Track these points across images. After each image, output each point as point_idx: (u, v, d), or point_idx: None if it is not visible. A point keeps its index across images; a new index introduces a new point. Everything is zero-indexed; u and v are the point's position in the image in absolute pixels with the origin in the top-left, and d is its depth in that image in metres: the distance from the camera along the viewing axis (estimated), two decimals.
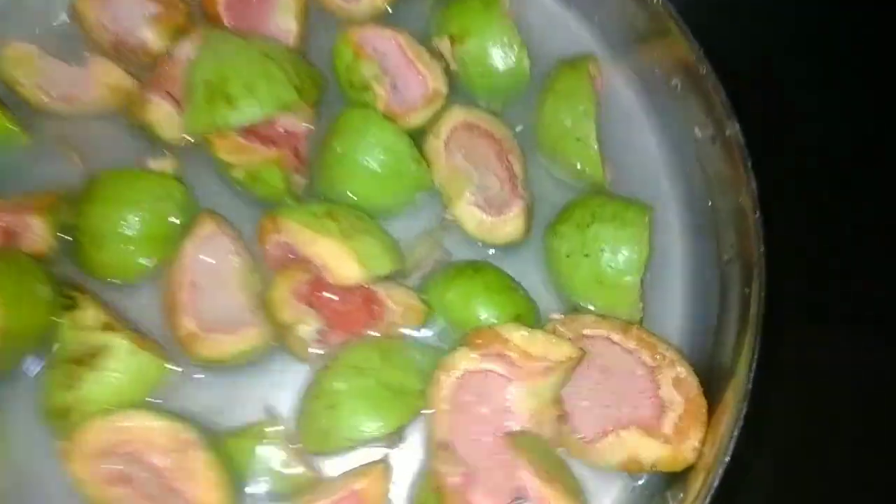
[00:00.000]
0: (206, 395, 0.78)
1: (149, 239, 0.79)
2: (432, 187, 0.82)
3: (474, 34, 0.82)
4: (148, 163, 0.82)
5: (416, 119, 0.81)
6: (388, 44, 0.84)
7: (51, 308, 0.76)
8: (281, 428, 0.74)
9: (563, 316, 0.74)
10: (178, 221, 0.80)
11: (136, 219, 0.78)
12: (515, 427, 0.70)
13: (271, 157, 0.76)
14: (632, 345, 0.70)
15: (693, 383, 0.69)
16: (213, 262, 0.78)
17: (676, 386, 0.68)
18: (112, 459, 0.70)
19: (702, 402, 0.68)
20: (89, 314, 0.75)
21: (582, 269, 0.74)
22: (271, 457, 0.74)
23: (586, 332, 0.71)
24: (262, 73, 0.74)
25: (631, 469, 0.69)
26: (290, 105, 0.75)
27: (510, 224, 0.78)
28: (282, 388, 0.78)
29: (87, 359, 0.73)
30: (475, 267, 0.77)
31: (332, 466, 0.75)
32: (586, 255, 0.73)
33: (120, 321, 0.76)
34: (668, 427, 0.67)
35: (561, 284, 0.77)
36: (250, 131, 0.76)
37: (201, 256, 0.78)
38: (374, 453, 0.75)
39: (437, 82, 0.82)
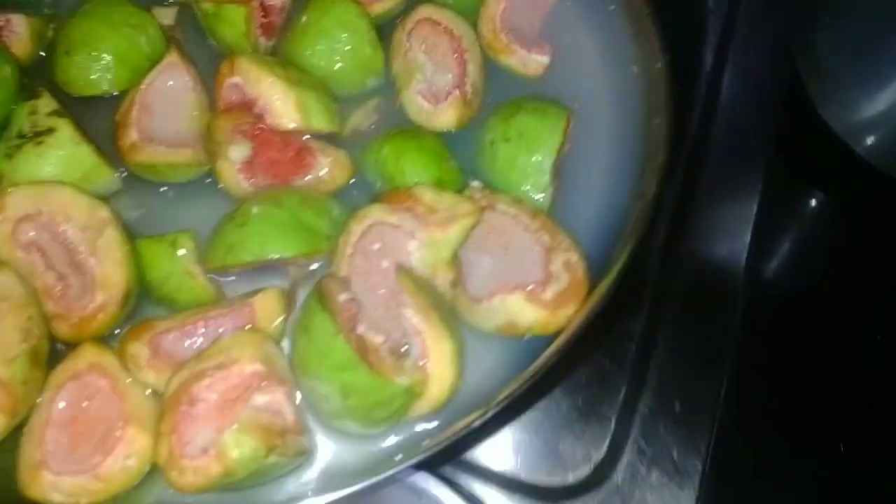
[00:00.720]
0: (134, 206, 0.84)
1: (117, 60, 0.87)
2: (382, 75, 0.89)
3: None
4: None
5: (380, 7, 0.90)
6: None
7: (11, 88, 0.83)
8: (193, 240, 0.80)
9: (482, 185, 0.81)
10: (146, 49, 0.88)
11: (110, 37, 0.86)
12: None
13: (241, 2, 0.84)
14: (535, 226, 0.77)
15: (581, 267, 0.76)
16: (170, 89, 0.86)
17: (566, 267, 0.75)
18: (28, 226, 0.76)
19: (584, 284, 0.75)
20: (45, 101, 0.81)
21: (500, 153, 0.81)
22: (177, 264, 0.79)
23: (499, 206, 0.78)
24: None
25: (507, 332, 0.75)
26: None
27: (445, 113, 0.86)
28: (206, 220, 0.84)
29: (32, 136, 0.79)
30: (416, 130, 0.85)
31: (234, 291, 0.81)
32: (506, 141, 0.81)
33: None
34: (548, 296, 0.74)
35: (483, 170, 0.84)
36: None
37: (159, 81, 0.85)
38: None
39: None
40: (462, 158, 0.86)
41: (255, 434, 0.64)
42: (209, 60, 0.90)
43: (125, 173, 0.85)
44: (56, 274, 0.76)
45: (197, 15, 0.89)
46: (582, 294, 0.75)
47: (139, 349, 0.71)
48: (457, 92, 0.86)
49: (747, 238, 1.00)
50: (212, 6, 0.85)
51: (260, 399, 0.66)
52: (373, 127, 0.88)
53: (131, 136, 0.82)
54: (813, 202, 1.14)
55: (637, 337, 0.96)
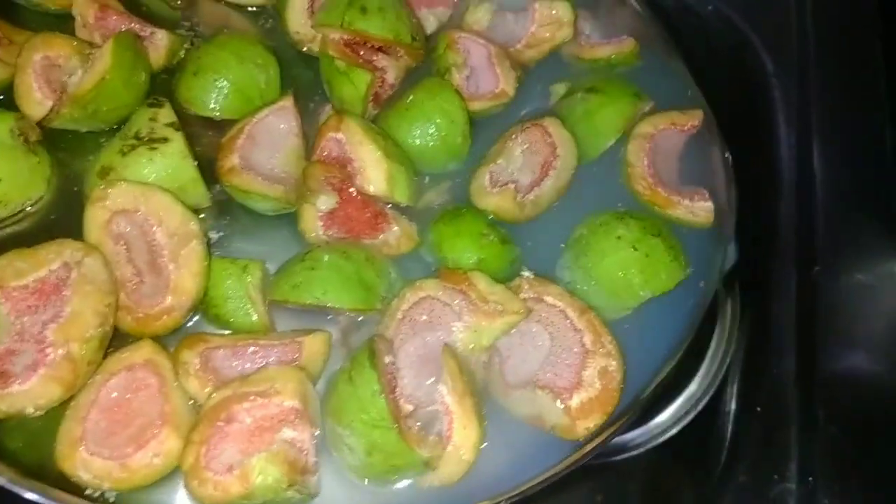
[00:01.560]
0: (215, 226, 0.94)
1: (234, 89, 0.98)
2: (463, 162, 0.99)
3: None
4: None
5: (477, 105, 1.01)
6: (478, 48, 1.05)
7: (141, 92, 0.94)
8: (263, 270, 0.88)
9: (533, 276, 0.88)
10: (262, 86, 1.00)
11: (235, 69, 0.98)
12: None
13: (369, 69, 0.95)
14: (581, 325, 0.83)
15: (617, 378, 0.81)
16: (277, 129, 0.96)
17: (601, 374, 0.81)
18: (123, 219, 0.85)
19: (614, 397, 0.80)
20: (165, 112, 0.92)
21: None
22: (243, 288, 0.87)
23: (547, 298, 0.85)
24: (396, 10, 0.96)
25: (534, 423, 0.82)
26: (401, 42, 0.96)
27: (492, 197, 0.94)
28: (273, 254, 0.92)
29: (148, 141, 0.89)
30: (458, 213, 0.93)
31: (283, 324, 0.89)
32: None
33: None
34: (574, 403, 0.80)
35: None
36: (361, 45, 0.96)
37: (269, 119, 0.96)
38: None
39: (507, 86, 1.03)
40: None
41: (281, 466, 0.71)
42: (312, 109, 1.02)
43: (216, 194, 0.95)
44: (134, 269, 0.84)
45: (323, 65, 1.00)
46: (609, 406, 0.80)
47: (191, 357, 0.79)
48: (513, 187, 0.94)
49: None
50: (343, 65, 0.96)
51: (288, 434, 0.73)
52: (440, 205, 0.97)
53: (233, 160, 0.92)
54: None
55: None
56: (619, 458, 1.00)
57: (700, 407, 1.04)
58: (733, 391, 1.02)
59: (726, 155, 0.98)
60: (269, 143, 0.95)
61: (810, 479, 0.89)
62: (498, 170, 0.96)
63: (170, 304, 0.82)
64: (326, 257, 0.87)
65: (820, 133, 1.11)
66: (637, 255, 0.87)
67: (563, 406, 0.80)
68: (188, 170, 0.90)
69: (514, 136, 0.97)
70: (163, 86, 1.01)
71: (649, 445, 1.03)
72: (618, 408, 0.81)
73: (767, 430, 0.94)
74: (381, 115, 1.01)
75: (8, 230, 0.91)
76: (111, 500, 0.76)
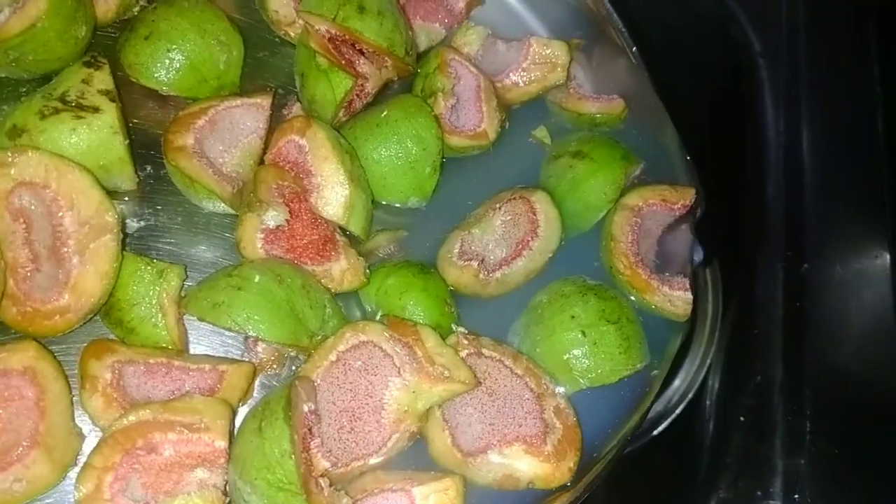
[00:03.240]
0: (138, 215, 0.86)
1: (189, 65, 0.90)
2: (426, 200, 0.95)
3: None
4: None
5: (455, 141, 0.97)
6: (469, 77, 1.01)
7: (78, 47, 0.85)
8: (182, 278, 0.81)
9: (466, 332, 0.86)
10: (221, 67, 0.92)
11: (194, 42, 0.90)
12: (372, 414, 0.78)
13: (352, 74, 0.90)
14: (520, 371, 0.83)
15: (570, 413, 0.82)
16: (243, 125, 0.90)
17: (556, 413, 0.82)
18: (28, 193, 0.76)
19: (577, 430, 0.82)
20: (102, 77, 0.83)
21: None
22: (155, 296, 0.79)
23: (484, 351, 0.83)
24: (395, 18, 0.91)
25: (504, 486, 0.80)
26: (393, 52, 0.91)
27: (456, 270, 0.91)
28: (200, 258, 0.86)
29: (75, 107, 0.80)
30: (425, 270, 0.91)
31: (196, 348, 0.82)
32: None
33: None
34: (548, 448, 0.80)
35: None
36: (346, 45, 0.91)
37: (238, 112, 0.90)
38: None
39: (490, 128, 0.99)
40: None
41: None
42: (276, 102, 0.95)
43: (144, 178, 0.87)
44: (31, 253, 0.76)
45: (300, 56, 0.94)
46: (578, 442, 0.81)
47: (101, 371, 0.72)
48: (478, 265, 0.91)
49: None
50: (326, 63, 0.90)
51: (201, 475, 0.68)
52: (385, 255, 0.94)
53: (187, 139, 0.85)
54: None
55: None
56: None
57: (679, 410, 1.02)
58: (713, 398, 1.01)
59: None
60: (228, 136, 0.89)
61: (796, 496, 0.89)
62: (470, 239, 0.93)
63: (66, 303, 0.74)
64: (257, 278, 0.81)
65: (808, 119, 1.10)
66: (584, 340, 0.86)
67: (539, 455, 0.80)
68: (117, 148, 0.82)
69: (496, 206, 0.94)
70: (104, 43, 0.92)
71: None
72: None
73: (750, 442, 0.93)
74: (348, 123, 0.95)
75: None
76: None
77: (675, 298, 0.92)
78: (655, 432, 1.03)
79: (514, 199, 0.96)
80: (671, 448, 0.94)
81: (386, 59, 0.93)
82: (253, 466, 0.69)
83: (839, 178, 1.06)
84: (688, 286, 0.92)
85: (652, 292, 0.92)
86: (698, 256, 0.97)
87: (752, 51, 1.17)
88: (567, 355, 0.86)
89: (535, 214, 0.95)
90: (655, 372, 0.89)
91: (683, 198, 0.97)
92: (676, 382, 1.05)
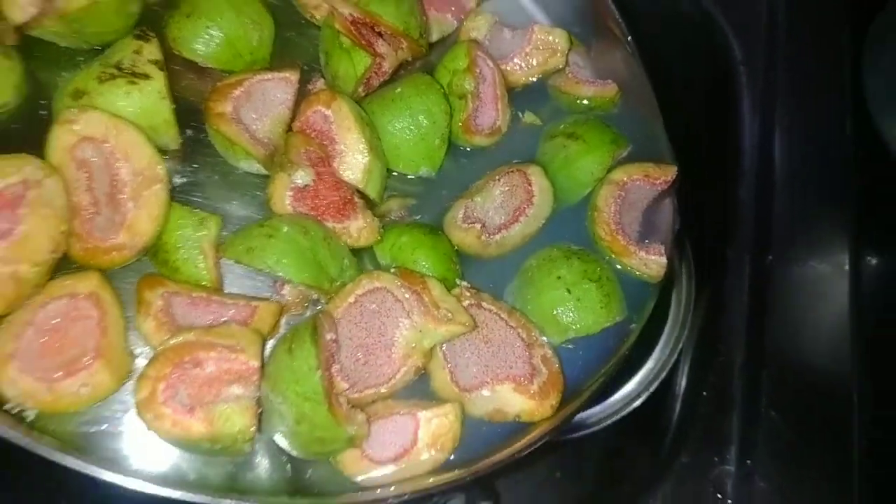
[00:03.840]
0: (180, 172, 0.98)
1: (225, 41, 1.03)
2: (435, 169, 1.08)
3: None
4: None
5: (477, 140, 1.10)
6: (489, 73, 1.13)
7: (131, 21, 0.98)
8: (220, 227, 0.93)
9: (469, 285, 0.99)
10: (254, 44, 1.04)
11: (230, 20, 1.02)
12: (383, 349, 0.91)
13: (371, 53, 1.03)
14: (514, 323, 0.96)
15: (555, 362, 0.96)
16: (273, 96, 1.02)
17: (543, 360, 0.95)
18: (90, 146, 0.89)
19: (560, 376, 0.95)
20: (151, 48, 0.95)
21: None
22: (197, 241, 0.92)
23: (483, 304, 0.97)
24: (411, 3, 1.05)
25: (495, 418, 0.93)
26: (409, 34, 1.04)
27: (460, 232, 1.03)
28: (233, 212, 0.99)
29: (129, 73, 0.92)
30: (434, 231, 1.04)
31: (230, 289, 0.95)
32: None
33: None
34: (535, 387, 0.93)
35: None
36: (366, 27, 1.03)
37: (270, 84, 1.02)
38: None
39: (503, 123, 1.12)
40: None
41: (250, 418, 0.80)
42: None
43: (185, 139, 1.00)
44: (92, 199, 0.88)
45: (325, 36, 1.06)
46: (561, 385, 0.94)
47: (154, 298, 0.85)
48: (480, 228, 1.03)
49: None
50: (348, 43, 1.03)
51: (236, 390, 0.79)
52: (397, 218, 1.06)
53: (226, 106, 0.97)
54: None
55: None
56: (576, 435, 1.10)
57: (652, 389, 1.14)
58: (683, 378, 1.13)
59: (677, 224, 1.09)
60: (261, 106, 1.01)
61: (748, 461, 1.01)
62: (473, 206, 1.06)
63: (122, 241, 0.87)
64: (286, 228, 0.93)
65: (782, 122, 1.21)
66: (569, 297, 0.99)
67: (525, 392, 0.93)
68: (164, 111, 0.94)
69: (496, 178, 1.07)
70: (151, 18, 1.04)
71: (602, 425, 1.13)
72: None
73: (711, 415, 1.05)
74: (365, 98, 1.07)
75: None
76: (28, 418, 0.80)
77: (650, 262, 1.04)
78: (631, 408, 1.15)
79: (512, 171, 1.09)
80: (644, 422, 1.06)
81: (401, 40, 1.06)
82: (283, 380, 0.82)
83: (807, 180, 1.19)
84: (662, 252, 1.04)
85: (629, 256, 1.05)
86: (677, 226, 1.09)
87: (734, 58, 1.30)
88: (555, 311, 0.99)
89: (530, 185, 1.08)
90: (633, 325, 1.02)
91: (665, 174, 1.09)
92: (650, 364, 1.17)
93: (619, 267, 1.06)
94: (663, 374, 1.17)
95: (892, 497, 1.08)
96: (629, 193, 1.10)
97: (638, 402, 1.15)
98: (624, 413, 1.15)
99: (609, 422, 1.15)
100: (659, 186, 1.11)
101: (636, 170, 1.11)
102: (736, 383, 1.06)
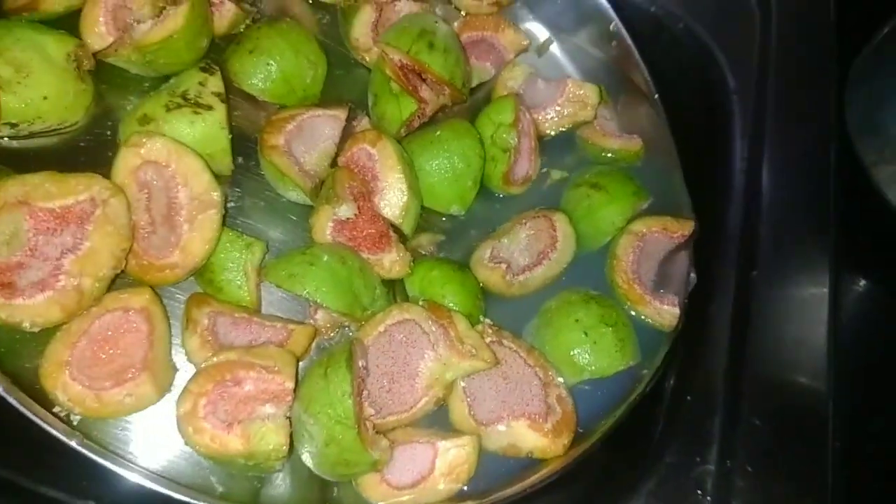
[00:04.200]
0: (231, 196, 1.05)
1: (281, 76, 1.10)
2: (465, 208, 1.14)
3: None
4: None
5: (514, 190, 1.17)
6: (528, 125, 1.19)
7: (199, 55, 1.05)
8: (264, 251, 0.99)
9: (492, 323, 1.05)
10: (307, 81, 1.11)
11: (288, 58, 1.10)
12: (407, 379, 0.96)
13: (418, 100, 1.10)
14: (532, 362, 1.01)
15: (570, 402, 1.00)
16: (321, 131, 1.08)
17: (558, 400, 1.00)
18: (152, 169, 0.95)
19: (574, 416, 1.00)
20: (215, 80, 1.02)
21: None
22: (242, 263, 0.98)
23: (504, 342, 1.02)
24: (457, 55, 1.12)
25: (508, 453, 0.98)
26: (453, 84, 1.11)
27: (486, 271, 1.10)
28: (278, 241, 1.05)
29: (194, 104, 0.99)
30: (462, 268, 1.10)
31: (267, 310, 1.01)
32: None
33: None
34: (549, 425, 0.98)
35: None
36: (414, 73, 1.10)
37: (319, 121, 1.08)
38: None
39: (533, 171, 1.19)
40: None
41: (285, 437, 0.84)
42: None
43: (237, 166, 1.06)
44: (150, 218, 0.95)
45: (375, 79, 1.14)
46: (573, 425, 0.99)
47: (201, 316, 0.90)
48: (506, 269, 1.09)
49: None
50: (398, 88, 1.10)
51: (269, 410, 0.85)
52: (426, 253, 1.13)
53: (279, 139, 1.04)
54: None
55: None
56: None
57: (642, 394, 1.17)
58: (670, 381, 1.17)
59: (692, 275, 1.15)
60: (310, 140, 1.08)
61: (728, 462, 1.07)
62: (500, 247, 1.12)
63: (175, 260, 0.93)
64: (326, 257, 0.99)
65: (770, 148, 1.29)
66: (586, 339, 1.04)
67: (539, 430, 0.97)
68: (222, 140, 1.01)
69: (523, 221, 1.13)
70: (214, 51, 1.11)
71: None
72: None
73: (695, 418, 1.11)
74: (405, 138, 1.14)
75: (36, 141, 1.00)
76: (74, 422, 0.85)
77: (663, 312, 1.10)
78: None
79: (538, 217, 1.15)
80: (632, 423, 1.09)
81: (445, 87, 1.12)
82: (317, 402, 0.87)
83: (792, 204, 1.26)
84: (675, 303, 1.10)
85: (644, 304, 1.11)
86: (693, 280, 1.15)
87: (727, 88, 1.38)
88: (572, 352, 1.05)
89: (555, 231, 1.14)
90: (645, 371, 1.07)
91: (682, 228, 1.15)
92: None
93: (633, 314, 1.11)
94: (653, 382, 1.20)
95: (862, 497, 1.17)
96: (647, 244, 1.16)
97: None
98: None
99: None
100: (676, 240, 1.16)
101: (655, 222, 1.17)
102: (718, 389, 1.12)
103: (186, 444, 0.86)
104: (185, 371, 0.94)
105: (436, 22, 1.13)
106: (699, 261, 1.16)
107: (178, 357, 0.95)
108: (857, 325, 1.32)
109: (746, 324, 1.15)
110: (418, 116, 1.12)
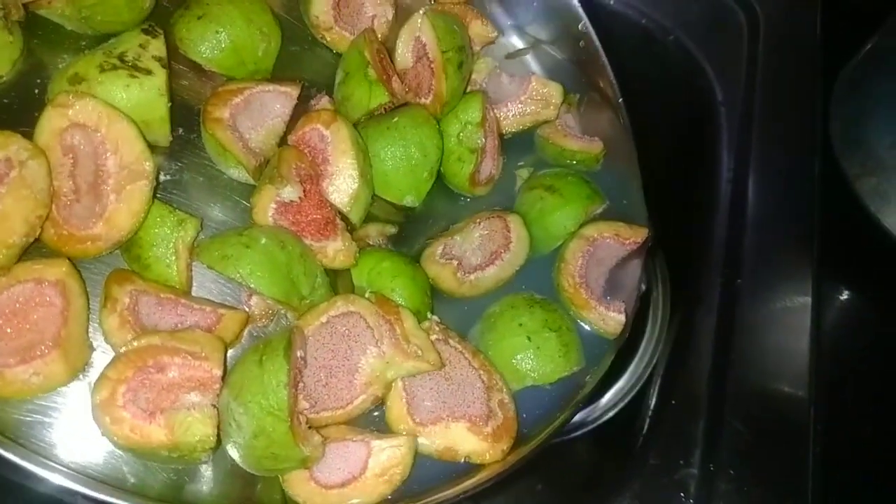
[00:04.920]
0: (166, 169, 0.98)
1: (231, 47, 1.03)
2: (419, 201, 1.09)
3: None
4: None
5: (479, 191, 1.12)
6: (493, 122, 1.15)
7: (141, 16, 0.99)
8: (198, 230, 0.93)
9: (439, 321, 1.00)
10: (259, 54, 1.05)
11: (240, 28, 1.03)
12: (346, 374, 0.90)
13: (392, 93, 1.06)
14: (476, 364, 0.97)
15: (511, 407, 0.96)
16: (271, 108, 1.02)
17: (500, 405, 0.95)
18: (80, 133, 0.88)
19: (514, 421, 0.95)
20: (157, 44, 0.95)
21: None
22: (172, 241, 0.91)
23: (450, 341, 0.97)
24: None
25: (444, 457, 0.93)
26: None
27: (437, 267, 1.05)
28: (213, 216, 0.99)
29: (132, 66, 0.92)
30: (413, 262, 1.05)
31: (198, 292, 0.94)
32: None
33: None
34: (488, 429, 0.93)
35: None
36: (388, 64, 1.06)
37: (269, 96, 1.02)
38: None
39: (496, 170, 1.15)
40: None
41: (212, 428, 0.78)
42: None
43: (175, 138, 0.99)
44: (74, 185, 0.87)
45: (350, 59, 1.07)
46: (514, 431, 0.95)
47: (122, 294, 0.83)
48: (457, 266, 1.05)
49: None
50: (373, 74, 1.05)
51: (195, 398, 0.78)
52: (374, 244, 1.07)
53: (223, 112, 0.97)
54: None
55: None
56: (553, 441, 1.12)
57: (627, 399, 1.22)
58: (656, 387, 1.19)
59: (642, 286, 1.12)
60: (257, 116, 1.01)
61: (711, 465, 1.08)
62: (452, 244, 1.08)
63: (98, 232, 0.86)
64: (264, 240, 0.93)
65: (756, 159, 1.32)
66: (530, 345, 1.01)
67: (479, 433, 0.93)
68: (160, 108, 0.94)
69: (478, 221, 1.09)
70: (161, 14, 1.04)
71: (580, 432, 1.20)
72: None
73: (679, 422, 1.13)
74: (361, 123, 1.08)
75: None
76: None
77: (608, 318, 1.07)
78: (608, 416, 1.23)
79: (493, 217, 1.11)
80: (618, 427, 1.15)
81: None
82: (249, 391, 0.81)
83: (777, 214, 1.29)
84: (622, 310, 1.06)
85: (589, 310, 1.07)
86: (643, 288, 1.12)
87: (715, 100, 1.40)
88: (514, 357, 1.01)
89: (509, 232, 1.10)
90: (588, 377, 1.04)
91: (635, 235, 1.12)
92: (625, 377, 1.27)
93: (578, 320, 1.08)
94: (638, 386, 1.26)
95: (841, 501, 1.20)
96: (598, 250, 1.13)
97: (614, 412, 1.24)
98: (602, 420, 1.24)
99: (584, 429, 1.22)
100: (628, 247, 1.13)
101: (608, 227, 1.13)
102: (703, 395, 1.14)
103: (103, 434, 0.79)
104: (102, 352, 0.86)
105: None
106: (685, 269, 1.18)
107: (98, 339, 0.87)
108: (838, 334, 1.36)
109: (730, 331, 1.16)
110: (384, 109, 1.07)
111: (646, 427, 1.13)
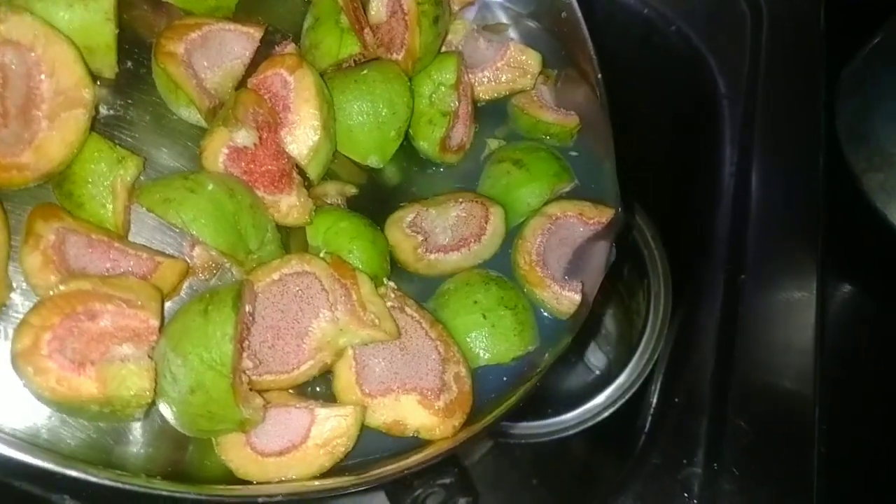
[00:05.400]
0: (110, 104, 0.89)
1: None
2: (385, 161, 1.03)
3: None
4: None
5: (449, 158, 1.06)
6: (467, 86, 1.08)
7: None
8: (139, 170, 0.86)
9: (396, 287, 0.94)
10: None
11: None
12: (295, 337, 0.84)
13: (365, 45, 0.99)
14: (433, 335, 0.91)
15: (468, 382, 0.90)
16: (230, 48, 0.95)
17: (455, 378, 0.90)
18: (12, 52, 0.80)
19: (469, 397, 0.90)
20: None
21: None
22: (110, 179, 0.83)
23: (407, 309, 0.91)
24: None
25: (392, 431, 0.87)
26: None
27: (400, 239, 1.00)
28: (158, 158, 0.91)
29: None
30: (374, 225, 0.98)
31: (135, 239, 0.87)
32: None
33: None
34: (440, 403, 0.88)
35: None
36: (363, 15, 0.99)
37: (229, 36, 0.94)
38: None
39: (468, 140, 1.09)
40: None
41: (150, 381, 0.72)
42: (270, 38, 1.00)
43: (122, 71, 0.91)
44: (2, 108, 0.79)
45: (322, 4, 1.00)
46: (467, 407, 0.90)
47: (46, 232, 0.75)
48: (421, 240, 1.00)
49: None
50: (346, 23, 0.98)
51: (127, 350, 0.71)
52: (332, 203, 1.00)
53: (178, 47, 0.89)
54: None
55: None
56: (552, 439, 1.15)
57: (627, 396, 1.21)
58: (657, 384, 1.17)
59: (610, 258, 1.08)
60: (215, 55, 0.94)
61: (715, 464, 1.06)
62: (425, 215, 1.02)
63: (25, 160, 0.78)
64: (211, 186, 0.86)
65: (760, 153, 1.29)
66: (484, 323, 0.96)
67: (430, 407, 0.88)
68: (106, 34, 0.86)
69: (459, 200, 1.03)
70: None
71: (579, 429, 1.21)
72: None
73: (681, 420, 1.10)
74: (328, 74, 1.01)
75: None
76: None
77: (562, 297, 1.02)
78: (608, 413, 1.24)
79: (476, 202, 1.05)
80: (619, 425, 1.14)
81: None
82: (190, 342, 0.74)
83: (781, 209, 1.27)
84: (578, 290, 1.02)
85: (543, 288, 1.02)
86: (605, 271, 1.08)
87: (718, 92, 1.36)
88: (469, 335, 0.96)
89: (486, 223, 1.05)
90: (545, 357, 0.99)
91: (600, 215, 1.07)
92: (626, 374, 1.27)
93: (529, 297, 1.03)
94: (639, 383, 1.25)
95: (846, 500, 1.22)
96: (560, 229, 1.08)
97: (613, 409, 1.24)
98: (602, 417, 1.24)
99: (584, 427, 1.24)
100: (592, 227, 1.08)
101: (572, 206, 1.08)
102: (706, 392, 1.12)
103: (25, 386, 0.71)
104: (20, 293, 0.78)
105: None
106: (688, 264, 1.14)
107: (18, 279, 0.79)
108: (842, 330, 1.36)
109: (734, 327, 1.14)
110: (353, 61, 1.00)
111: (647, 425, 1.11)
